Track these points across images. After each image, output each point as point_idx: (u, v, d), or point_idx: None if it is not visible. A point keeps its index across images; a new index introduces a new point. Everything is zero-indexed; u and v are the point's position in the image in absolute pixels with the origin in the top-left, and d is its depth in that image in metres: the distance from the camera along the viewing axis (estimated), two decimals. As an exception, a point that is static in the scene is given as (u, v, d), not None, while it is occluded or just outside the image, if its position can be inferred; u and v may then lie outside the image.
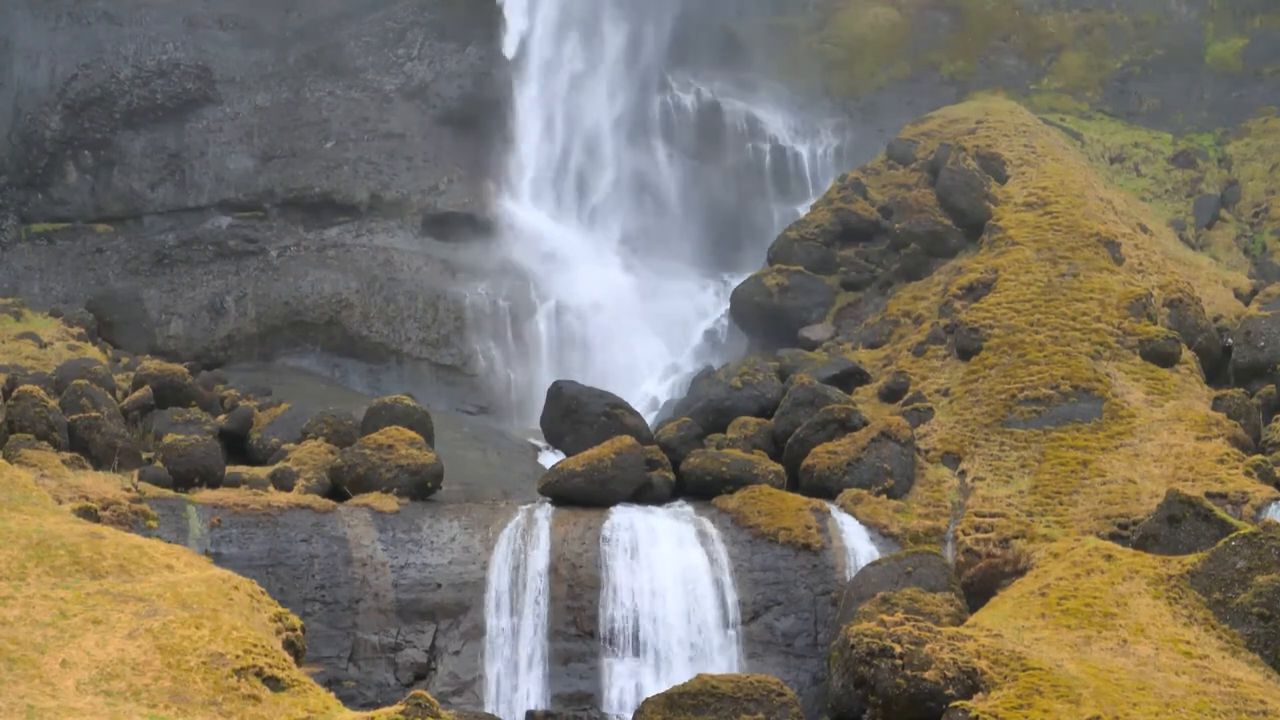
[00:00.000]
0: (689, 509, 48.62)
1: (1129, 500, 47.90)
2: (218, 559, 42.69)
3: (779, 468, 50.26)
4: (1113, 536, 45.96)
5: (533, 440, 58.83)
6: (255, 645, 32.61)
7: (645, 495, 49.24)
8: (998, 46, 79.47)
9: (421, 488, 48.15)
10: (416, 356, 66.31)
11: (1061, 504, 48.36)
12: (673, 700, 38.89)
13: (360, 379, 65.93)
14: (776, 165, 74.68)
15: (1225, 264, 65.72)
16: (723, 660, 45.16)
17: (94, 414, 47.83)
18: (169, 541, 40.26)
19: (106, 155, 68.17)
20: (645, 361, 66.54)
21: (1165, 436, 50.60)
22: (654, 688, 43.05)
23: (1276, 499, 47.29)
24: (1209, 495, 46.72)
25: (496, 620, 45.50)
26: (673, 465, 50.64)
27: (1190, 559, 41.57)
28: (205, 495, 45.99)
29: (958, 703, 36.27)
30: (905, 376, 55.54)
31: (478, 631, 45.41)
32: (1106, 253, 58.79)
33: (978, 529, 47.77)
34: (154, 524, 43.94)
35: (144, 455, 48.30)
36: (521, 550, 46.26)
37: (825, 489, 49.58)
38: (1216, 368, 56.45)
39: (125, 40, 69.33)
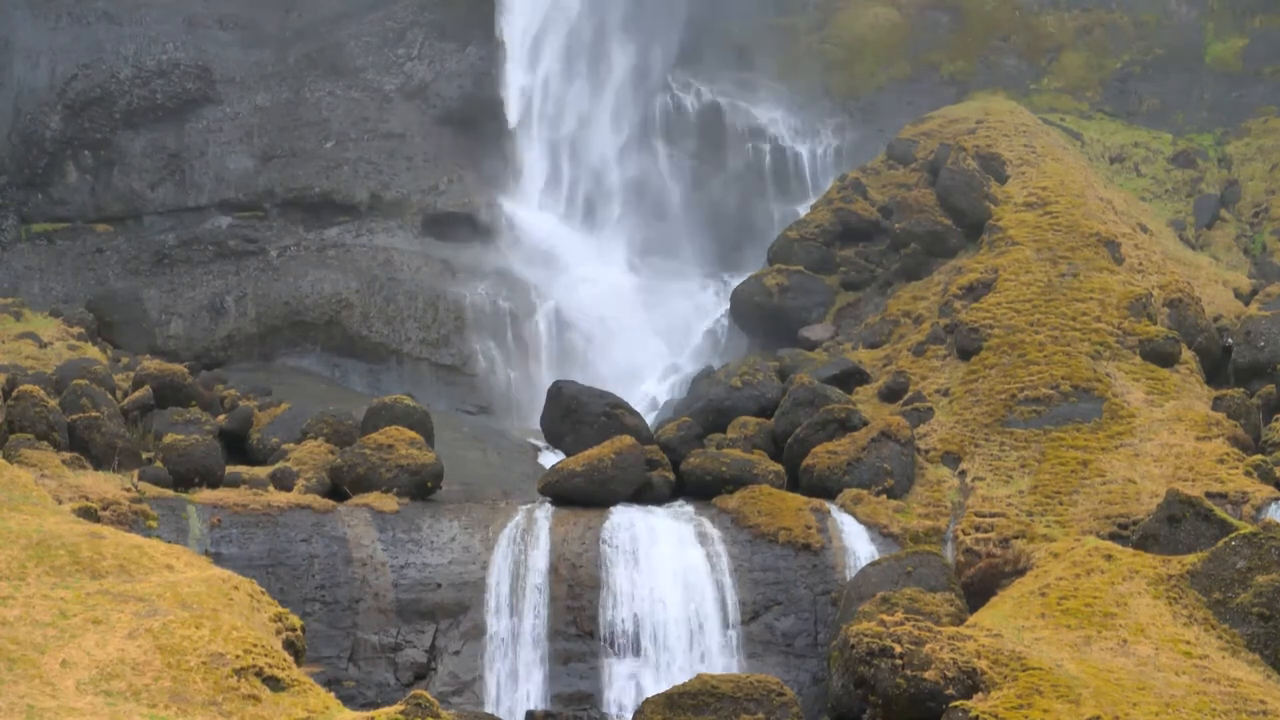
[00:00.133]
0: (689, 509, 48.62)
1: (1129, 500, 47.90)
2: (218, 559, 42.68)
3: (779, 468, 50.26)
4: (1113, 536, 45.96)
5: (533, 440, 58.83)
6: (255, 645, 32.61)
7: (645, 495, 49.24)
8: (998, 46, 79.45)
9: (421, 488, 48.15)
10: (416, 356, 66.34)
11: (1061, 504, 48.37)
12: (673, 700, 38.88)
13: (360, 379, 65.95)
14: (776, 165, 74.66)
15: (1225, 264, 65.72)
16: (723, 660, 45.15)
17: (94, 414, 47.83)
18: (169, 541, 40.25)
19: (106, 155, 68.20)
20: (645, 361, 66.53)
21: (1165, 436, 50.60)
22: (654, 688, 43.04)
23: (1276, 499, 47.29)
24: (1209, 495, 46.72)
25: (496, 620, 45.50)
26: (673, 465, 50.63)
27: (1190, 559, 41.57)
28: (205, 495, 45.98)
29: (958, 703, 36.27)
30: (905, 376, 55.53)
31: (478, 631, 45.41)
32: (1106, 253, 58.80)
33: (978, 529, 47.77)
34: (154, 524, 43.94)
35: (144, 455, 48.30)
36: (521, 550, 46.25)
37: (825, 489, 49.57)
38: (1216, 368, 56.45)
39: (125, 40, 69.36)
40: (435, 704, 32.36)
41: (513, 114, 72.29)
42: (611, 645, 45.22)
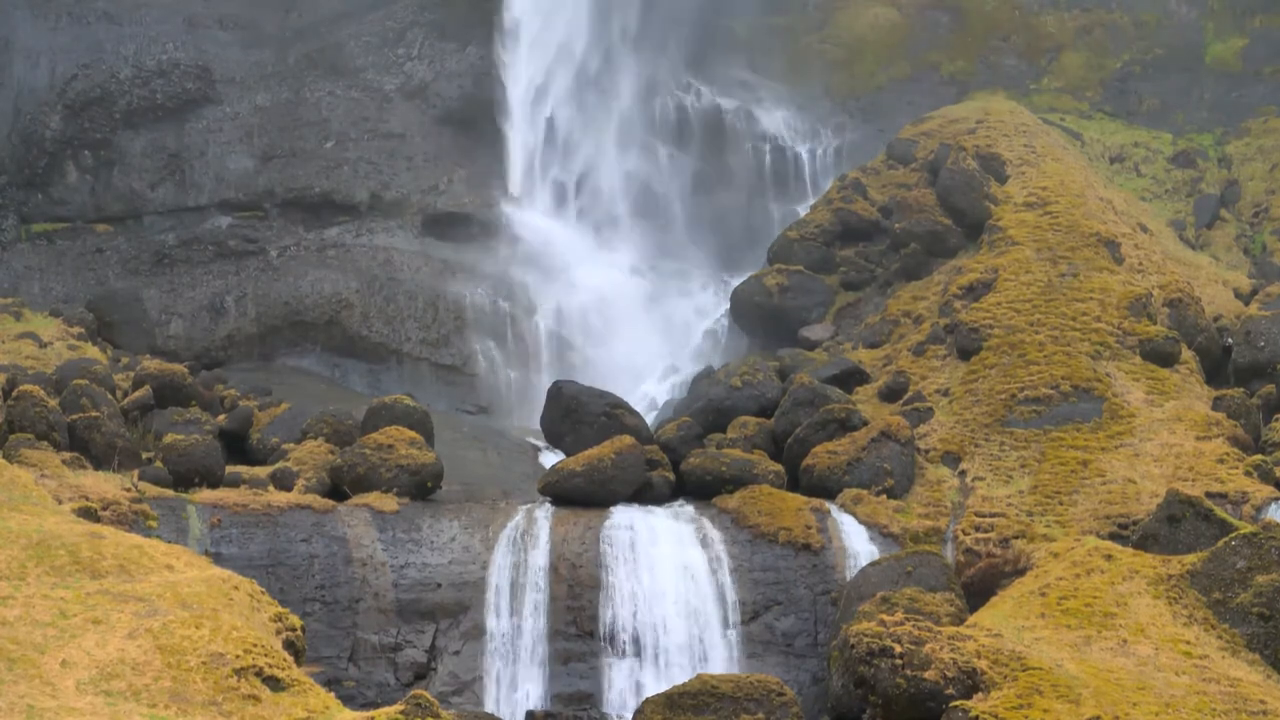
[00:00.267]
0: (689, 509, 48.63)
1: (1129, 500, 47.90)
2: (218, 559, 42.68)
3: (779, 468, 50.26)
4: (1113, 536, 45.96)
5: (533, 440, 58.83)
6: (255, 645, 32.61)
7: (645, 495, 49.24)
8: (998, 46, 79.46)
9: (421, 488, 48.15)
10: (416, 356, 66.34)
11: (1061, 504, 48.37)
12: (673, 700, 38.88)
13: (360, 379, 65.96)
14: (776, 165, 74.65)
15: (1225, 264, 65.72)
16: (723, 660, 45.15)
17: (94, 414, 47.83)
18: (169, 541, 40.26)
19: (106, 155, 68.21)
20: (645, 361, 66.51)
21: (1165, 436, 50.61)
22: (654, 688, 43.04)
23: (1276, 499, 47.29)
24: (1209, 495, 46.72)
25: (496, 620, 45.50)
26: (673, 465, 50.63)
27: (1190, 559, 41.57)
28: (205, 495, 45.99)
29: (958, 703, 36.27)
30: (905, 376, 55.53)
31: (478, 631, 45.41)
32: (1106, 253, 58.80)
33: (978, 529, 47.77)
34: (154, 524, 43.94)
35: (144, 455, 48.30)
36: (521, 550, 46.25)
37: (825, 489, 49.57)
38: (1216, 368, 56.45)
39: (125, 40, 69.37)
40: (435, 704, 32.36)
41: (513, 114, 72.27)
42: (611, 645, 45.22)
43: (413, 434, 49.24)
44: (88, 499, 43.28)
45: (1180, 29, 78.61)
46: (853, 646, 37.86)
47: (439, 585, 45.75)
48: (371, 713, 32.44)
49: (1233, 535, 41.50)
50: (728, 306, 66.05)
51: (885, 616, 39.38)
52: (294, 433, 50.97)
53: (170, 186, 68.53)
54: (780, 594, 46.26)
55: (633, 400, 56.73)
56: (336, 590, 45.01)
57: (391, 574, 45.54)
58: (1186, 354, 55.24)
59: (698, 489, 49.67)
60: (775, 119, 75.85)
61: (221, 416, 52.38)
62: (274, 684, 32.03)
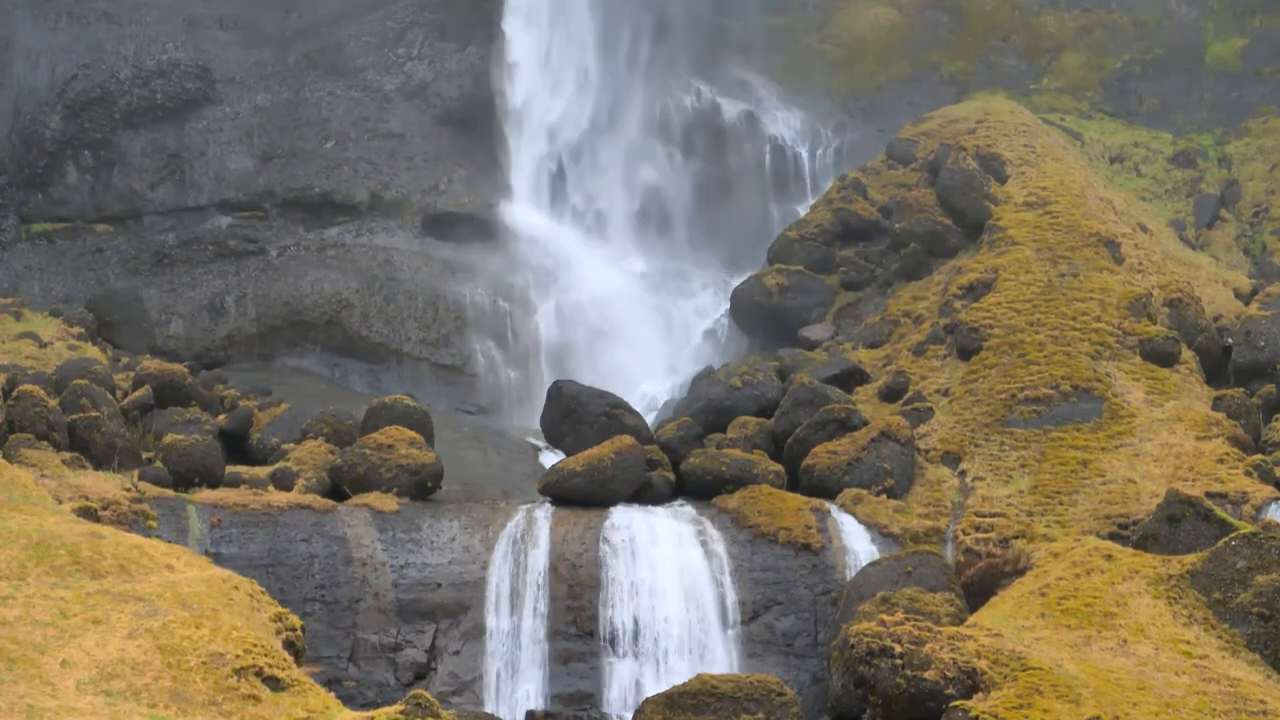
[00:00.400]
0: (689, 509, 48.62)
1: (1129, 500, 47.90)
2: (218, 559, 42.68)
3: (779, 468, 50.26)
4: (1113, 536, 45.96)
5: (533, 440, 58.82)
6: (255, 645, 32.61)
7: (645, 495, 49.24)
8: (998, 46, 79.45)
9: (421, 488, 48.15)
10: (416, 356, 66.33)
11: (1061, 504, 48.37)
12: (673, 700, 38.88)
13: (360, 379, 65.95)
14: (776, 165, 74.64)
15: (1225, 264, 65.72)
16: (723, 660, 45.16)
17: (94, 414, 47.83)
18: (169, 541, 40.25)
19: (106, 155, 68.19)
20: (645, 361, 66.51)
21: (1165, 436, 50.61)
22: (654, 688, 43.05)
23: (1276, 499, 47.29)
24: (1209, 495, 46.72)
25: (496, 620, 45.50)
26: (673, 465, 50.63)
27: (1190, 559, 41.57)
28: (205, 495, 45.99)
29: (958, 703, 36.27)
30: (905, 376, 55.53)
31: (478, 631, 45.42)
32: (1106, 253, 58.80)
33: (978, 529, 47.78)
34: (154, 524, 43.94)
35: (144, 455, 48.30)
36: (521, 550, 46.26)
37: (825, 489, 49.57)
38: (1216, 368, 56.46)
39: (125, 40, 69.34)
40: (435, 704, 32.36)
41: (513, 114, 72.27)
42: (611, 645, 45.23)
43: (413, 434, 49.24)
44: (88, 499, 43.28)
45: (1180, 29, 78.61)
46: (853, 646, 37.87)
47: (439, 585, 45.75)
48: (371, 713, 32.44)
49: (1233, 535, 41.51)
50: (728, 306, 66.05)
51: (885, 616, 39.38)
52: (294, 433, 50.96)
53: (170, 186, 68.52)
54: (780, 594, 46.26)
55: (633, 400, 56.73)
56: (336, 590, 45.01)
57: (391, 574, 45.55)
58: (1186, 354, 55.24)
59: (698, 489, 49.67)
60: (775, 119, 75.85)
61: (221, 416, 52.38)
62: (274, 684, 32.03)
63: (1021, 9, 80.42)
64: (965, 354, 55.23)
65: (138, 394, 51.85)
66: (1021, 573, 44.90)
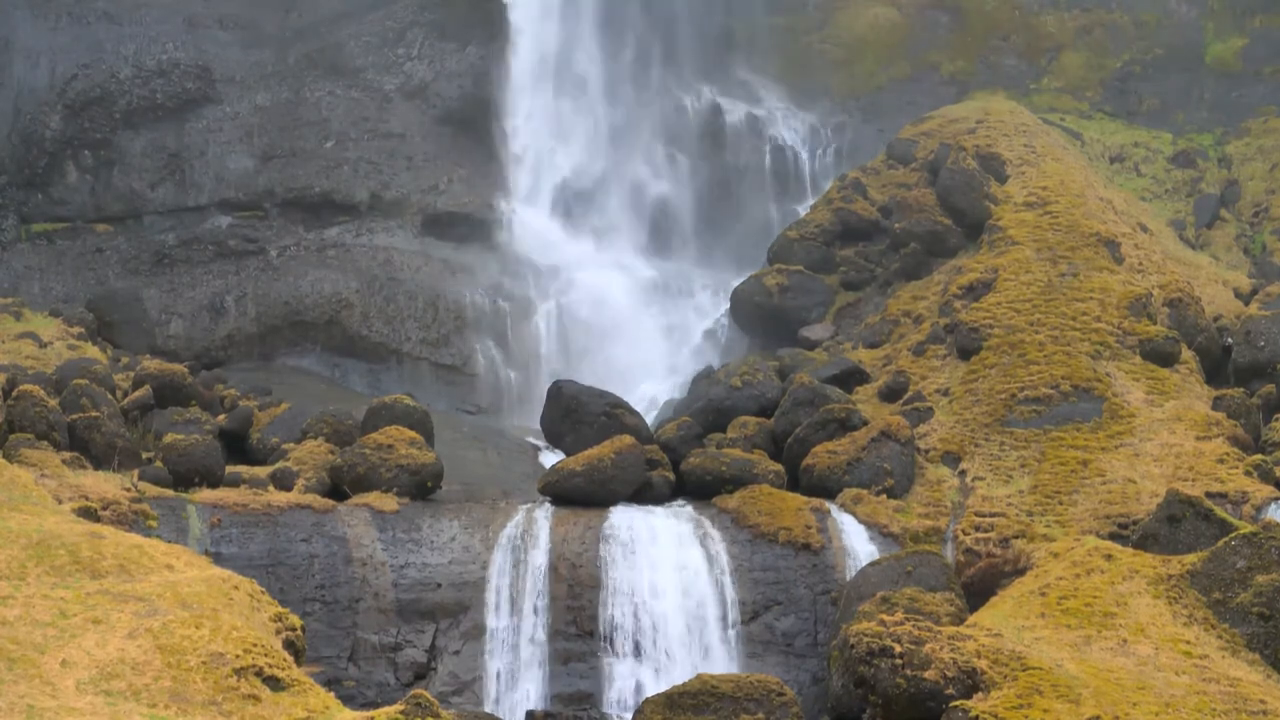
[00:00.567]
0: (689, 509, 48.63)
1: (1129, 500, 47.90)
2: (218, 559, 42.68)
3: (779, 467, 50.26)
4: (1113, 536, 45.96)
5: (533, 440, 58.84)
6: (255, 645, 32.61)
7: (645, 495, 49.24)
8: (998, 46, 79.47)
9: (421, 487, 48.15)
10: (416, 356, 66.33)
11: (1061, 504, 48.37)
12: (673, 700, 38.88)
13: (360, 379, 65.94)
14: (776, 165, 74.65)
15: (1225, 264, 65.73)
16: (723, 660, 45.15)
17: (94, 414, 47.83)
18: (169, 541, 40.25)
19: (106, 155, 68.19)
20: (645, 361, 66.50)
21: (1165, 436, 50.61)
22: (654, 688, 43.04)
23: (1276, 499, 47.29)
24: (1209, 495, 46.72)
25: (496, 620, 45.50)
26: (673, 465, 50.64)
27: (1190, 559, 41.57)
28: (205, 495, 45.99)
29: (958, 702, 36.27)
30: (905, 376, 55.54)
31: (478, 631, 45.41)
32: (1106, 252, 58.81)
33: (978, 529, 47.78)
34: (154, 524, 43.94)
35: (144, 455, 48.30)
36: (521, 550, 46.26)
37: (825, 489, 49.58)
38: (1216, 368, 56.46)
39: (125, 40, 69.34)
40: (435, 704, 32.36)
41: (513, 113, 72.28)
42: (611, 645, 45.23)
43: (413, 434, 49.24)
44: (88, 499, 43.29)
45: (1180, 29, 78.61)
46: (853, 646, 37.86)
47: (439, 585, 45.75)
48: (371, 713, 32.44)
49: (1233, 535, 41.51)
50: (728, 306, 66.05)
51: (885, 616, 39.38)
52: (294, 433, 50.97)
53: (170, 186, 68.52)
54: (780, 594, 46.26)
55: (633, 400, 56.73)
56: (336, 590, 45.01)
57: (391, 574, 45.55)
58: (1186, 354, 55.24)
59: (698, 489, 49.67)
60: (775, 119, 75.87)
61: (221, 416, 52.38)
62: (274, 684, 32.03)
63: (1021, 9, 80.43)
64: (965, 354, 55.23)
65: (138, 394, 51.85)
66: (1021, 573, 44.90)
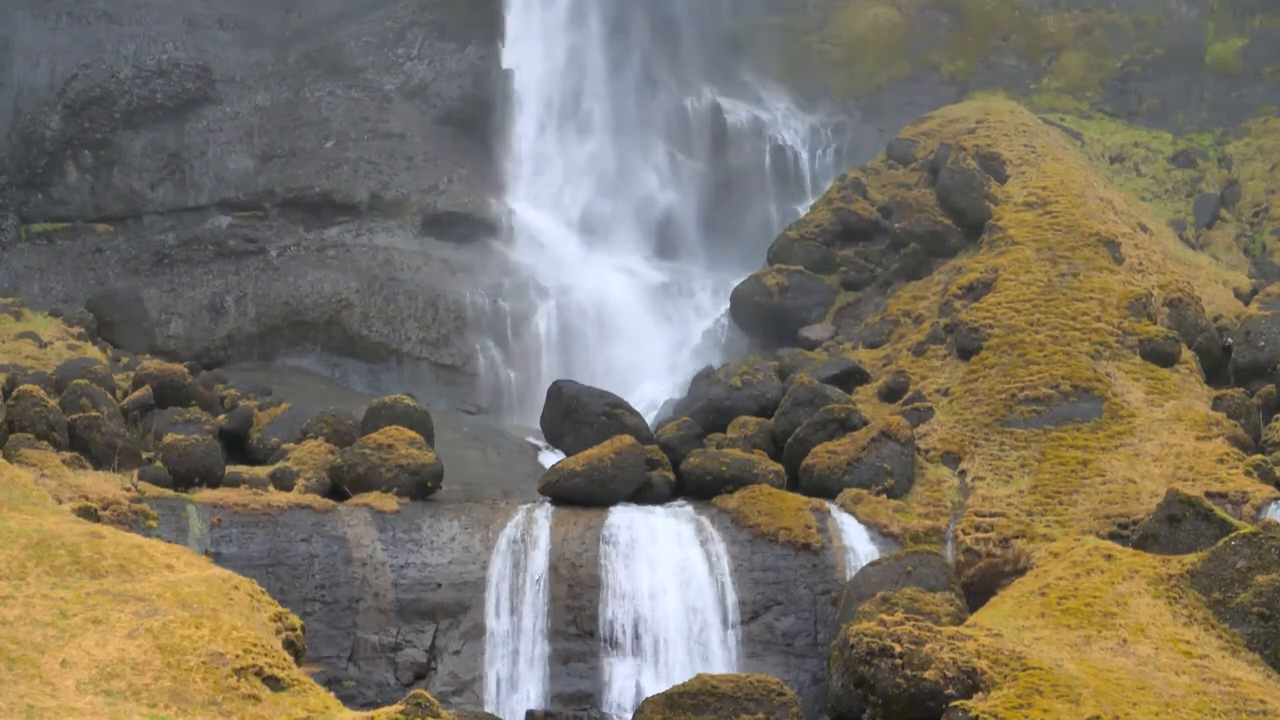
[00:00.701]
0: (689, 509, 48.63)
1: (1129, 500, 47.90)
2: (218, 559, 42.68)
3: (779, 467, 50.26)
4: (1113, 536, 45.96)
5: (533, 440, 58.83)
6: (255, 645, 32.61)
7: (645, 495, 49.24)
8: (998, 46, 79.47)
9: (421, 487, 48.15)
10: (416, 356, 66.31)
11: (1061, 504, 48.36)
12: (673, 700, 38.88)
13: (360, 379, 65.93)
14: (776, 165, 74.66)
15: (1225, 264, 65.73)
16: (723, 660, 45.15)
17: (94, 414, 47.83)
18: (169, 541, 40.25)
19: (106, 155, 68.18)
20: (645, 361, 66.49)
21: (1165, 436, 50.61)
22: (654, 688, 43.04)
23: (1276, 499, 47.29)
24: (1209, 495, 46.72)
25: (496, 620, 45.50)
26: (673, 465, 50.63)
27: (1190, 559, 41.57)
28: (205, 495, 45.99)
29: (958, 702, 36.27)
30: (905, 376, 55.54)
31: (478, 631, 45.42)
32: (1106, 252, 58.80)
33: (978, 529, 47.77)
34: (154, 524, 43.94)
35: (144, 455, 48.30)
36: (521, 550, 46.26)
37: (825, 489, 49.57)
38: (1216, 368, 56.46)
39: (125, 40, 69.33)
40: (435, 704, 32.36)
41: (512, 113, 72.29)
42: (611, 645, 45.22)
43: (413, 434, 49.24)
44: (88, 499, 43.29)
45: (1180, 29, 78.61)
46: (853, 646, 37.86)
47: (439, 585, 45.75)
48: (371, 713, 32.44)
49: (1233, 535, 41.51)
50: (728, 306, 66.05)
51: (885, 616, 39.38)
52: (294, 433, 50.97)
53: (170, 186, 68.51)
54: (780, 594, 46.26)
55: (633, 400, 56.73)
56: (336, 590, 45.01)
57: (391, 574, 45.55)
58: (1186, 354, 55.24)
59: (698, 489, 49.67)
60: (775, 119, 75.87)
61: (221, 416, 52.38)
62: (274, 684, 32.03)
63: (1021, 9, 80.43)
64: (965, 354, 55.23)
65: (138, 394, 51.85)
66: (1021, 572, 44.90)
